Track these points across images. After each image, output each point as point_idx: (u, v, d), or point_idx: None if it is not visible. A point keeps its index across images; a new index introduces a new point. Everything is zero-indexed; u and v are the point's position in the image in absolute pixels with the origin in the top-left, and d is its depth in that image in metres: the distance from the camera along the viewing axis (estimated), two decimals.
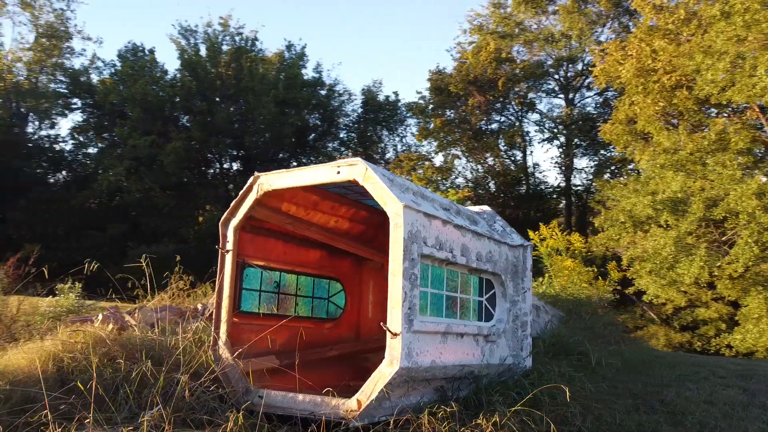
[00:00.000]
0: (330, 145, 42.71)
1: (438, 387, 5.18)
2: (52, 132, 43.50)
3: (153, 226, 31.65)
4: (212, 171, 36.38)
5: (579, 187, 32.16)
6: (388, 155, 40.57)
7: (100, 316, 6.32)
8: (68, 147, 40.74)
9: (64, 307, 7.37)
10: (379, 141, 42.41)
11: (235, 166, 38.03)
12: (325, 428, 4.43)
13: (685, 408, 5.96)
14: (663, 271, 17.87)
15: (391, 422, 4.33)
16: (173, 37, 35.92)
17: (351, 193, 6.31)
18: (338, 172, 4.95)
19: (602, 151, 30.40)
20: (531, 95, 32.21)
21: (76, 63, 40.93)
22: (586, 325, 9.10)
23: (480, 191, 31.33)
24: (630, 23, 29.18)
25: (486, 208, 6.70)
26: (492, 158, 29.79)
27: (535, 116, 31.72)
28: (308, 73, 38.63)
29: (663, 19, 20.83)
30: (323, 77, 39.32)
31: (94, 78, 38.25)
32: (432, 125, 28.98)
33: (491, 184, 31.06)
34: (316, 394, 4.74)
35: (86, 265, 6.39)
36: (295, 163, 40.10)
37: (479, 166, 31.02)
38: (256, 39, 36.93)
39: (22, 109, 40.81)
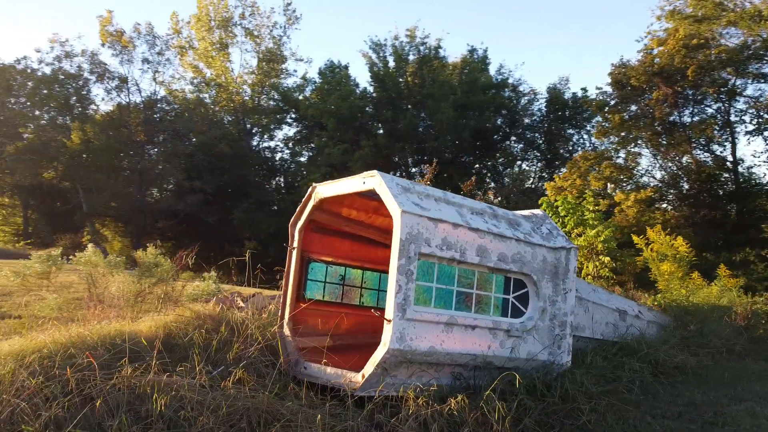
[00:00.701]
0: (516, 145, 42.65)
1: (455, 373, 5.77)
2: (272, 143, 50.08)
3: None
4: (398, 174, 38.67)
5: None
6: (577, 153, 39.27)
7: (214, 299, 8.00)
8: (285, 156, 46.61)
9: (204, 291, 9.29)
10: (569, 139, 41.22)
11: (420, 169, 39.92)
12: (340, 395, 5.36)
13: (735, 421, 5.67)
14: None
15: (376, 394, 5.10)
16: (364, 52, 39.01)
17: None
18: (364, 183, 5.84)
19: None
20: (737, 82, 28.82)
21: (290, 82, 46.58)
22: (684, 335, 8.57)
23: (671, 191, 28.87)
24: None
25: (538, 211, 6.97)
26: (682, 154, 27.27)
27: (740, 105, 28.29)
28: (492, 74, 39.08)
29: None
30: (506, 78, 39.50)
31: (304, 94, 43.15)
32: (610, 122, 27.54)
33: (684, 183, 28.41)
34: (342, 369, 5.67)
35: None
36: (477, 165, 40.83)
37: (670, 164, 28.61)
38: (439, 47, 38.45)
39: (248, 125, 47.60)
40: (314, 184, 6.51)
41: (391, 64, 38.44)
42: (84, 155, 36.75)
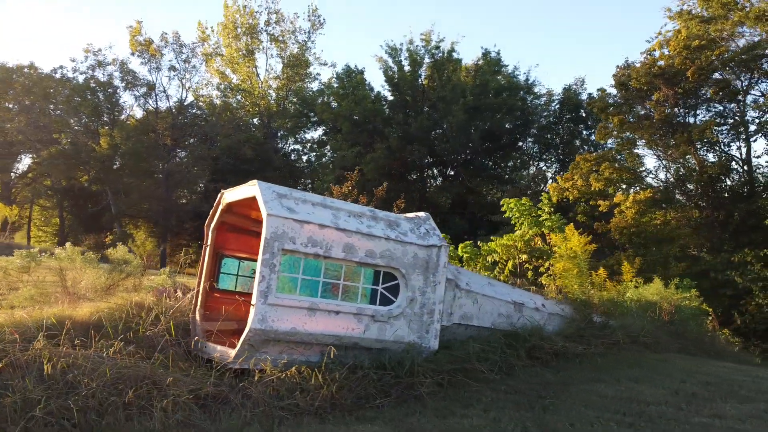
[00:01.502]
0: (532, 147, 42.97)
1: (325, 352, 6.75)
2: (297, 147, 51.67)
3: None
4: (411, 175, 39.52)
5: None
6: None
7: (152, 290, 9.18)
8: (311, 159, 48.05)
9: (158, 284, 10.47)
10: (586, 140, 41.33)
11: (434, 171, 40.72)
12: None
13: (566, 395, 6.46)
14: None
15: (236, 366, 6.15)
16: (379, 56, 40.02)
17: None
18: (251, 191, 6.88)
19: None
20: (738, 82, 28.69)
21: (314, 86, 47.92)
22: (582, 326, 9.24)
23: (676, 191, 28.91)
24: None
25: (421, 214, 7.87)
26: (683, 155, 27.28)
27: (744, 105, 28.11)
28: (506, 76, 39.53)
29: None
30: (526, 80, 39.93)
31: (323, 98, 44.44)
32: (611, 124, 27.82)
33: (688, 184, 28.40)
34: (227, 347, 6.73)
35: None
36: (492, 166, 41.31)
37: (674, 165, 28.64)
38: (453, 50, 39.14)
39: (273, 129, 49.18)
40: (222, 191, 7.59)
41: (407, 68, 39.33)
42: (114, 160, 38.88)
